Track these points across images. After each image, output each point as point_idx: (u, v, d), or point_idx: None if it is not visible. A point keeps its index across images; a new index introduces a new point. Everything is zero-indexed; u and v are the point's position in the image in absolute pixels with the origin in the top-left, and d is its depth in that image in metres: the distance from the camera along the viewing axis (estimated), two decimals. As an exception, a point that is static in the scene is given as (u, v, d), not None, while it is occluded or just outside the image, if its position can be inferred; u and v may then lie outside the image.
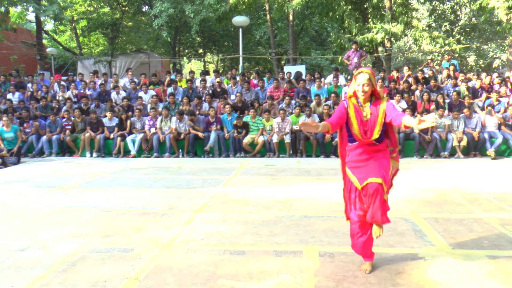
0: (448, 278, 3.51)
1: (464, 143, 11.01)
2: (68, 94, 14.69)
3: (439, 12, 29.93)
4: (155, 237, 4.68)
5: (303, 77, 15.33)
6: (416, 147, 11.18)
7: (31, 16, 27.55)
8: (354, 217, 3.77)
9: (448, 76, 14.12)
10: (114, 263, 3.93)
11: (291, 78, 14.95)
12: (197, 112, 12.67)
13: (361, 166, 3.73)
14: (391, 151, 3.89)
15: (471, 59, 32.27)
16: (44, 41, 28.76)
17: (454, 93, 12.08)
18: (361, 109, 3.71)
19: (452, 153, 11.09)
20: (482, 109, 12.09)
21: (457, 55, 27.30)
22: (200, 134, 11.90)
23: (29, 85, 15.76)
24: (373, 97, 3.73)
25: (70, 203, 6.38)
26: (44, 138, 12.57)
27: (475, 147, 11.13)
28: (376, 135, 3.67)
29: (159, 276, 3.63)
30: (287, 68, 18.35)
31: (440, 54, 27.27)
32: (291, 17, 23.96)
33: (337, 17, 20.69)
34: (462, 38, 29.18)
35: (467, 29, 29.50)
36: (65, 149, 12.60)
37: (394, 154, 3.91)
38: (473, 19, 29.10)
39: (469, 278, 3.51)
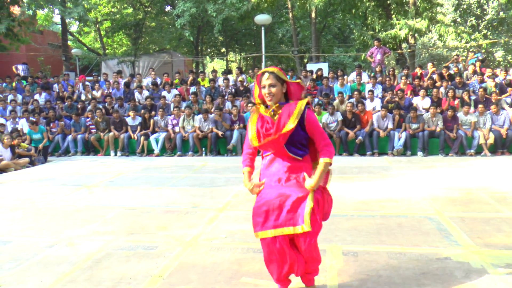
0: (475, 279, 3.44)
1: (491, 140, 10.78)
2: (93, 94, 14.93)
3: (465, 6, 29.37)
4: (179, 235, 4.72)
5: (326, 74, 15.22)
6: (441, 145, 11.00)
7: (56, 18, 28.07)
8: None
9: (474, 72, 13.84)
10: (138, 261, 3.97)
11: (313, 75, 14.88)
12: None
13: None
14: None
15: (499, 54, 31.57)
16: (69, 43, 29.26)
17: (481, 89, 11.83)
18: (269, 112, 3.10)
19: (479, 151, 10.88)
20: (510, 105, 11.82)
21: (483, 50, 26.73)
22: (220, 133, 11.93)
23: (55, 85, 16.10)
24: (289, 101, 3.15)
25: (95, 201, 6.48)
26: (69, 137, 12.83)
27: (502, 145, 10.88)
28: (290, 125, 2.97)
29: (183, 274, 3.66)
30: (309, 66, 18.27)
31: (465, 50, 26.79)
32: (313, 15, 23.79)
33: (360, 13, 20.52)
34: (489, 33, 28.56)
35: (494, 24, 28.87)
36: (90, 148, 12.82)
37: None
38: (501, 13, 28.46)
39: (497, 279, 3.44)
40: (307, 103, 3.09)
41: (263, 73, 3.04)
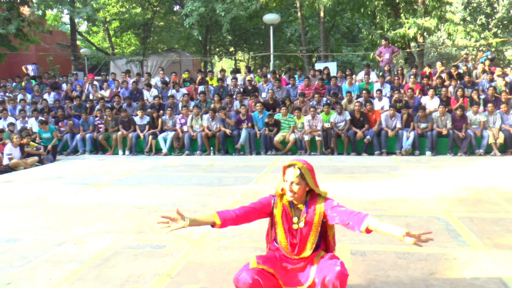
0: (484, 281, 3.41)
1: (501, 140, 10.69)
2: (101, 93, 15.00)
3: (474, 5, 29.15)
4: (187, 234, 4.72)
5: (334, 74, 15.18)
6: (450, 145, 10.93)
7: (65, 18, 28.26)
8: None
9: (484, 71, 13.73)
10: (146, 259, 3.99)
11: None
12: (227, 109, 12.75)
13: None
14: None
15: (509, 53, 31.32)
16: (78, 42, 29.43)
17: (491, 88, 11.74)
18: (292, 213, 2.92)
19: (488, 151, 10.79)
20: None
21: (493, 49, 26.51)
22: (228, 131, 11.95)
23: (64, 85, 16.22)
24: (309, 195, 2.95)
25: (103, 200, 6.51)
26: (78, 136, 12.91)
27: (512, 145, 10.80)
28: (308, 251, 2.88)
29: (191, 273, 3.67)
30: (318, 65, 18.24)
31: (475, 49, 26.61)
32: (322, 14, 23.79)
33: (369, 12, 20.43)
34: (499, 31, 28.33)
35: (505, 22, 28.63)
36: (98, 147, 12.89)
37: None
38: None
39: (507, 280, 3.41)
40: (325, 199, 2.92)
41: (290, 165, 2.85)
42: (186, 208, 5.84)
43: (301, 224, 2.88)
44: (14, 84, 16.70)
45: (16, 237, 4.74)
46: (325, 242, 3.05)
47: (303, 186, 2.83)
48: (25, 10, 21.57)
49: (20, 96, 15.23)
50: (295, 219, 2.89)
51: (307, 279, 2.82)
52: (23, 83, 16.68)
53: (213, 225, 2.85)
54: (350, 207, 2.98)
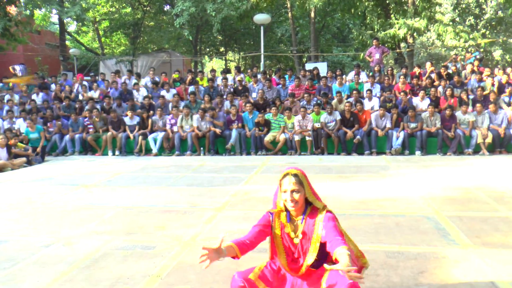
0: (473, 278, 3.43)
1: (489, 140, 10.79)
2: (90, 93, 14.90)
3: (463, 6, 29.41)
4: (177, 234, 4.71)
5: (325, 74, 15.22)
6: (439, 144, 11.00)
7: (54, 18, 28.07)
8: None
9: (472, 71, 13.84)
10: (136, 260, 3.96)
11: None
12: (217, 109, 12.72)
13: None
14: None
15: (497, 53, 31.63)
16: (67, 43, 29.26)
17: (479, 88, 11.84)
18: (289, 228, 2.76)
19: (477, 150, 10.88)
20: (509, 104, 11.83)
21: (482, 49, 26.75)
22: (218, 131, 11.92)
23: (53, 85, 16.09)
24: (309, 206, 2.79)
25: (93, 201, 6.46)
26: (67, 137, 12.80)
27: (500, 144, 10.89)
28: (308, 261, 2.70)
29: (181, 274, 3.65)
30: (308, 66, 18.28)
31: (464, 49, 26.84)
32: (312, 14, 23.86)
33: (359, 13, 20.55)
34: (487, 32, 28.60)
35: (493, 23, 28.92)
36: (88, 148, 12.79)
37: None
38: (500, 12, 28.51)
39: (495, 278, 3.43)
40: (327, 211, 2.79)
41: (285, 175, 2.70)
42: (176, 209, 5.82)
43: (299, 236, 2.73)
44: (1, 84, 16.54)
45: (4, 239, 4.68)
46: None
47: (303, 194, 2.70)
48: (12, 9, 21.37)
49: (7, 97, 15.08)
50: (292, 234, 2.75)
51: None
52: (10, 84, 16.53)
53: (234, 257, 2.68)
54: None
